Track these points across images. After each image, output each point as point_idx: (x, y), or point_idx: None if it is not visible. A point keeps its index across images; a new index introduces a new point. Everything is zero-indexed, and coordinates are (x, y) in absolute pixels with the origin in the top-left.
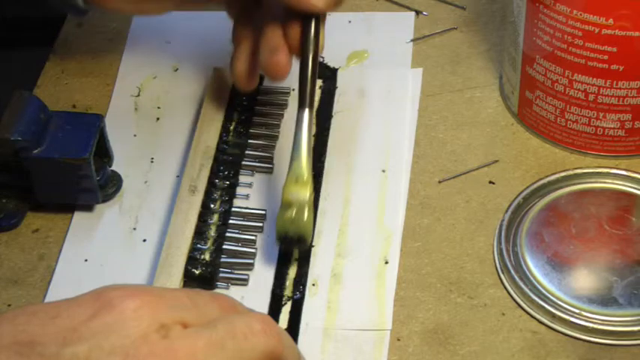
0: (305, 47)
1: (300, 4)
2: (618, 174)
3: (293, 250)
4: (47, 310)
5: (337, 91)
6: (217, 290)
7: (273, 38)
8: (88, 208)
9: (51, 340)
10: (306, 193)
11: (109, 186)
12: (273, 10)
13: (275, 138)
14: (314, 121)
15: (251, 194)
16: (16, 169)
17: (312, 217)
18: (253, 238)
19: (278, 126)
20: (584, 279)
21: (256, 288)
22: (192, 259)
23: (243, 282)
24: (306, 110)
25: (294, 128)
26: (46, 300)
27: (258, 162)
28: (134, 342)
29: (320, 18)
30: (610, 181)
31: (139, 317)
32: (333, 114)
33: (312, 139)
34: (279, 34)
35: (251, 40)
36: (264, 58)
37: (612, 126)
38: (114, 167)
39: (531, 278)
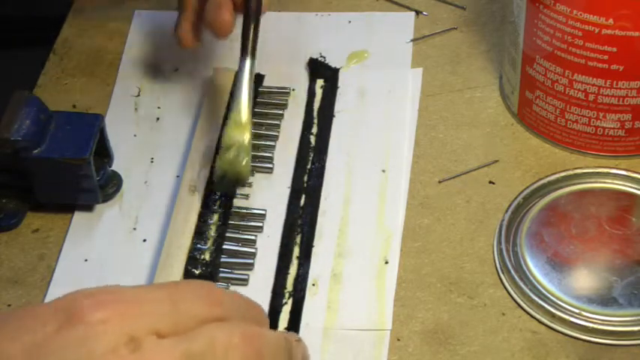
0: (248, 1)
1: None
2: (618, 174)
3: (230, 191)
4: (13, 323)
5: (338, 91)
6: None
7: None
8: (88, 208)
9: (16, 358)
10: (244, 135)
11: (109, 186)
12: None
13: (275, 138)
14: (253, 66)
15: (251, 194)
16: (16, 169)
17: (250, 159)
18: (253, 238)
19: (278, 126)
20: (584, 279)
21: (256, 288)
22: (192, 259)
23: (243, 282)
24: (248, 59)
25: (237, 75)
26: (46, 300)
27: (258, 162)
28: (101, 357)
29: None
30: (610, 181)
31: (107, 330)
32: (334, 114)
33: (252, 86)
34: None
35: (197, 3)
36: (209, 14)
37: (612, 126)
38: (114, 167)
39: (531, 278)
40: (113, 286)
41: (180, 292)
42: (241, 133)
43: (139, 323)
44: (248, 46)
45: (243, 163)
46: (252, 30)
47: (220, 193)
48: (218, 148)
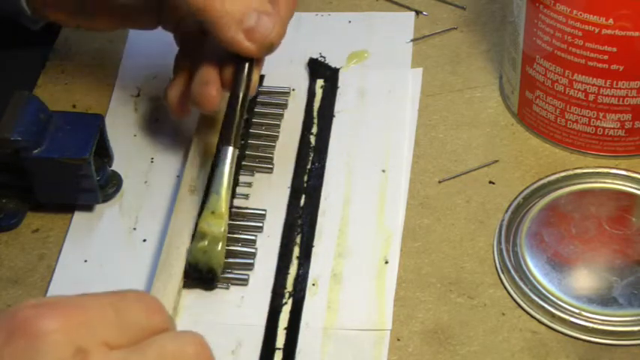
0: (235, 86)
1: (234, 47)
2: (618, 174)
3: (202, 283)
4: None
5: (338, 91)
6: (217, 290)
7: (206, 71)
8: (88, 208)
9: None
10: (220, 226)
11: (109, 186)
12: (214, 46)
13: (275, 138)
14: (236, 155)
15: (251, 194)
16: (16, 169)
17: (224, 251)
18: (253, 238)
19: (278, 126)
20: (584, 279)
21: (256, 288)
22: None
23: (243, 282)
24: (230, 148)
25: (217, 162)
26: None
27: (258, 162)
28: None
29: (254, 61)
30: (610, 181)
31: (55, 341)
32: (334, 114)
33: (233, 176)
34: (214, 69)
35: (190, 70)
36: (195, 89)
37: (612, 126)
38: (114, 167)
39: (531, 278)
40: (56, 297)
41: (123, 301)
42: (218, 223)
43: (86, 334)
44: (231, 135)
45: (216, 254)
46: (237, 115)
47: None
48: (195, 233)
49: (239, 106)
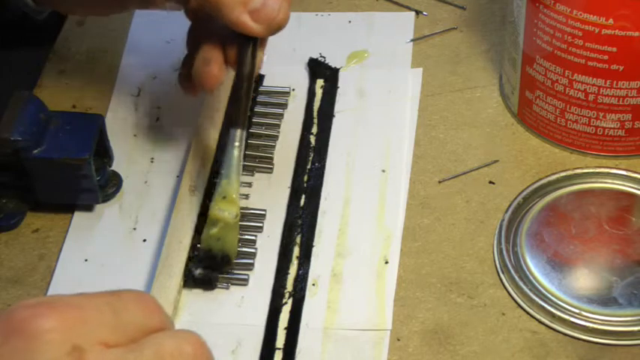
0: (241, 67)
1: (239, 26)
2: (618, 174)
3: (217, 266)
4: None
5: (338, 91)
6: (217, 290)
7: (209, 49)
8: (88, 208)
9: None
10: (232, 211)
11: (109, 186)
12: (218, 23)
13: (275, 138)
14: (244, 137)
15: (251, 194)
16: (16, 169)
17: (237, 236)
18: (253, 238)
19: (278, 126)
20: (584, 279)
21: (256, 288)
22: (192, 259)
23: (243, 282)
24: (239, 130)
25: (226, 146)
26: None
27: (258, 162)
28: None
29: (258, 41)
30: (610, 181)
31: (51, 341)
32: (334, 114)
33: (242, 159)
34: (217, 47)
35: (200, 45)
36: (197, 67)
37: (612, 126)
38: (114, 167)
39: (531, 278)
40: (53, 296)
41: (120, 300)
42: (230, 208)
43: (83, 333)
44: (239, 117)
45: (230, 240)
46: (244, 97)
47: None
48: (206, 217)
49: (245, 87)
